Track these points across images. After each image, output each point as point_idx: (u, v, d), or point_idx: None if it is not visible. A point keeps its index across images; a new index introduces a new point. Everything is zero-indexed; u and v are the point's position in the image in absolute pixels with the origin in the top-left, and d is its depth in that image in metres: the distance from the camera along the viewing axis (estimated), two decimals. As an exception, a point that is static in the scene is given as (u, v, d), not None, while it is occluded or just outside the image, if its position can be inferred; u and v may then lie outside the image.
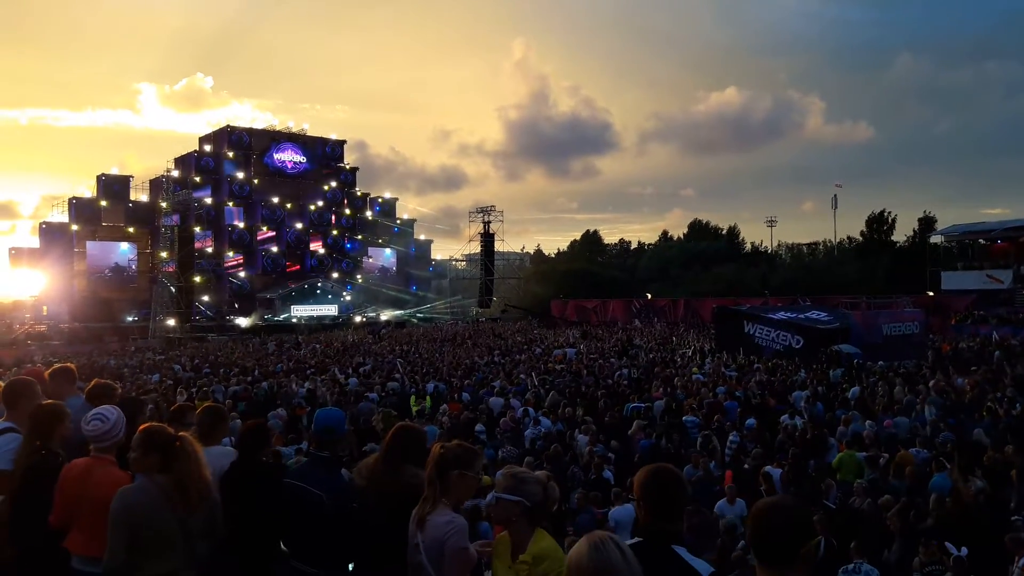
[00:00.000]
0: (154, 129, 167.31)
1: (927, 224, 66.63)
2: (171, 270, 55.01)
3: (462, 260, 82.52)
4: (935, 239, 60.48)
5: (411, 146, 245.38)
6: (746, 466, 10.66)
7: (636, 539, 3.10)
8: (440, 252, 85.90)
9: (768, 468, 9.99)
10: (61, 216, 60.08)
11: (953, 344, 30.93)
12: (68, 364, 6.02)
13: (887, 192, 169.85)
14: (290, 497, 4.11)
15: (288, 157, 67.69)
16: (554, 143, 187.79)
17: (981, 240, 57.18)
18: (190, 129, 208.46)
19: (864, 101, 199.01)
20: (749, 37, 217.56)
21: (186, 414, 5.18)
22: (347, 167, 72.15)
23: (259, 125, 70.17)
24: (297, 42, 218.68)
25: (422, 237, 79.81)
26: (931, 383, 17.00)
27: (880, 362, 21.97)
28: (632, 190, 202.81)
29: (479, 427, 13.38)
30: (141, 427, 3.89)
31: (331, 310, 63.44)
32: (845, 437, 11.89)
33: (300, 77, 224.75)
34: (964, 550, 6.69)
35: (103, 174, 60.95)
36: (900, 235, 71.28)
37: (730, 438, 12.53)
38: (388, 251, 74.32)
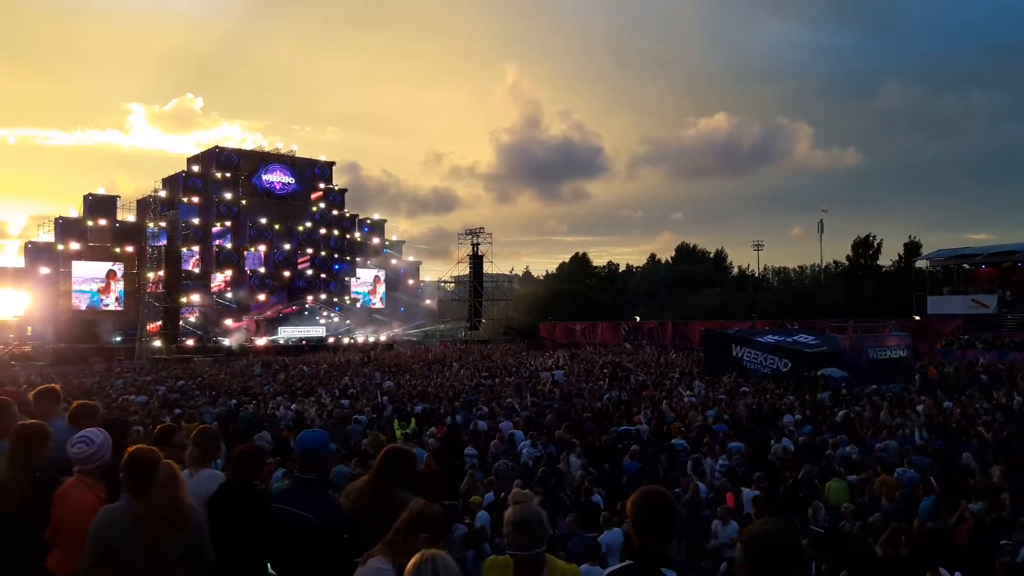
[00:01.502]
0: (143, 149, 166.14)
1: (913, 249, 67.08)
2: (158, 290, 54.72)
3: (451, 282, 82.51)
4: (920, 264, 60.94)
5: (403, 168, 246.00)
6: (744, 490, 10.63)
7: (626, 562, 3.09)
8: (430, 274, 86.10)
9: (745, 491, 9.99)
10: (47, 236, 59.79)
11: (940, 368, 31.09)
12: (53, 385, 5.95)
13: (873, 217, 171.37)
14: (278, 521, 4.07)
15: (277, 178, 67.65)
16: (545, 166, 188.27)
17: (966, 265, 57.73)
18: (179, 149, 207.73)
19: (852, 128, 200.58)
20: (739, 64, 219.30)
21: (173, 435, 5.11)
22: (336, 188, 72.12)
23: (248, 146, 70.41)
24: (288, 64, 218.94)
25: (411, 258, 79.79)
26: (919, 407, 17.07)
27: (872, 385, 22.06)
28: (622, 213, 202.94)
29: (470, 450, 13.30)
30: (128, 450, 3.88)
31: (319, 331, 63.11)
32: (833, 461, 11.91)
33: (291, 98, 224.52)
34: (958, 575, 6.69)
35: (90, 194, 60.72)
36: (886, 260, 71.75)
37: (719, 461, 12.51)
38: (376, 272, 74.22)
